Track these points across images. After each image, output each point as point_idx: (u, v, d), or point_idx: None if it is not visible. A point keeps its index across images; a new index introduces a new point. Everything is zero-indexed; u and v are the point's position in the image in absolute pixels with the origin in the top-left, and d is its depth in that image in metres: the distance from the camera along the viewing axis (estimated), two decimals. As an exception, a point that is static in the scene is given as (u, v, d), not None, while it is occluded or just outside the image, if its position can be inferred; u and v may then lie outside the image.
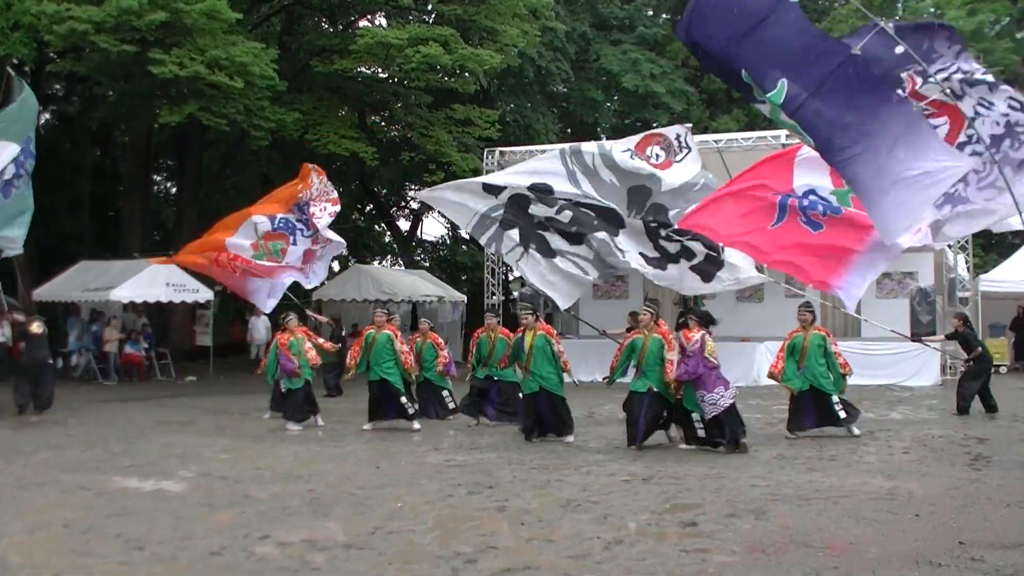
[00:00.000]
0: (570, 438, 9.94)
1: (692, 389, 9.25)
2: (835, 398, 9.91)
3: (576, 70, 27.79)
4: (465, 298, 23.95)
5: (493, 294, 18.98)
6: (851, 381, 10.42)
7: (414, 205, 34.93)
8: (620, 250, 12.31)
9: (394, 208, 34.48)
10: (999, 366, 16.50)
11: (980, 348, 11.88)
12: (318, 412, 11.54)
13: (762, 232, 9.23)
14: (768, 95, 6.16)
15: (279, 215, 12.22)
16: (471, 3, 21.03)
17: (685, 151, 13.07)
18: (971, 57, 6.98)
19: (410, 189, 33.53)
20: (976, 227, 7.84)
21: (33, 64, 21.58)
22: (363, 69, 22.17)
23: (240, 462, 8.73)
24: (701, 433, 9.35)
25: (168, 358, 19.51)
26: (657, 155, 13.08)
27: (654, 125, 28.37)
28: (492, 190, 12.21)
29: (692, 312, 10.02)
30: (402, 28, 20.62)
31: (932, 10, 25.84)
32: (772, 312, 17.11)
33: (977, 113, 6.88)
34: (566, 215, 12.55)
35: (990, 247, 27.75)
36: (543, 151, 19.37)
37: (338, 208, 12.45)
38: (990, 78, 6.91)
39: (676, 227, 11.64)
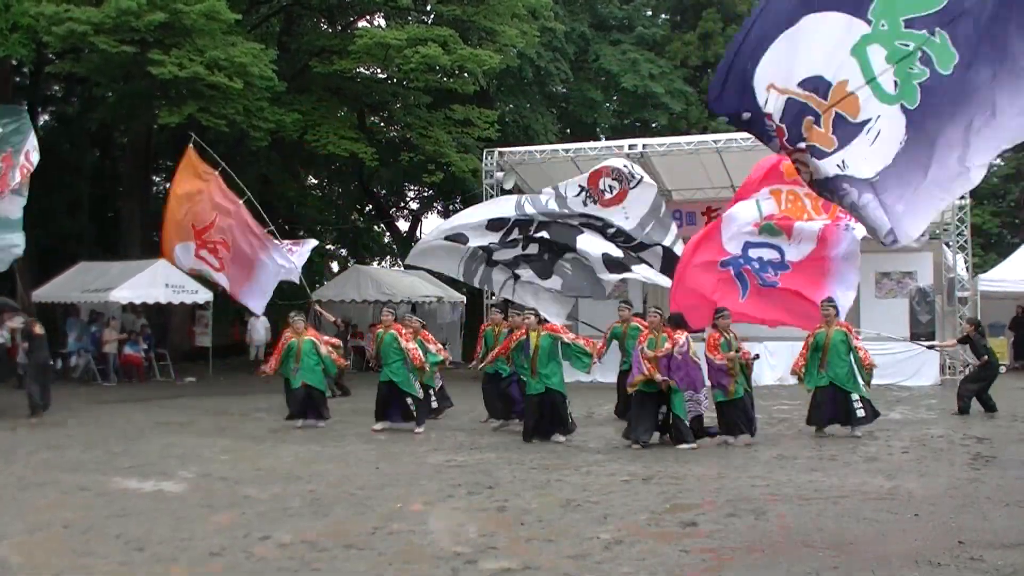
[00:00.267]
0: (562, 438, 9.91)
1: (680, 391, 9.37)
2: (855, 396, 9.90)
3: (575, 70, 27.77)
4: (464, 299, 23.95)
5: (493, 294, 18.96)
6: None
7: (413, 205, 35.00)
8: (587, 258, 13.10)
9: (393, 208, 34.46)
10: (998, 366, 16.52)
11: (987, 357, 11.87)
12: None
13: (737, 304, 10.63)
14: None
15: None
16: (470, 3, 21.02)
17: (638, 178, 13.59)
18: None
19: (409, 189, 33.56)
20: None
21: (32, 65, 21.59)
22: (362, 70, 22.17)
23: (240, 463, 8.72)
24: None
25: (167, 359, 19.50)
26: (611, 187, 13.62)
27: (653, 125, 28.44)
28: (459, 239, 13.18)
29: (659, 312, 10.03)
30: (401, 28, 20.64)
31: None
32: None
33: None
34: (532, 248, 13.35)
35: (989, 247, 27.81)
36: (542, 151, 19.45)
37: None
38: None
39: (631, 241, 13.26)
